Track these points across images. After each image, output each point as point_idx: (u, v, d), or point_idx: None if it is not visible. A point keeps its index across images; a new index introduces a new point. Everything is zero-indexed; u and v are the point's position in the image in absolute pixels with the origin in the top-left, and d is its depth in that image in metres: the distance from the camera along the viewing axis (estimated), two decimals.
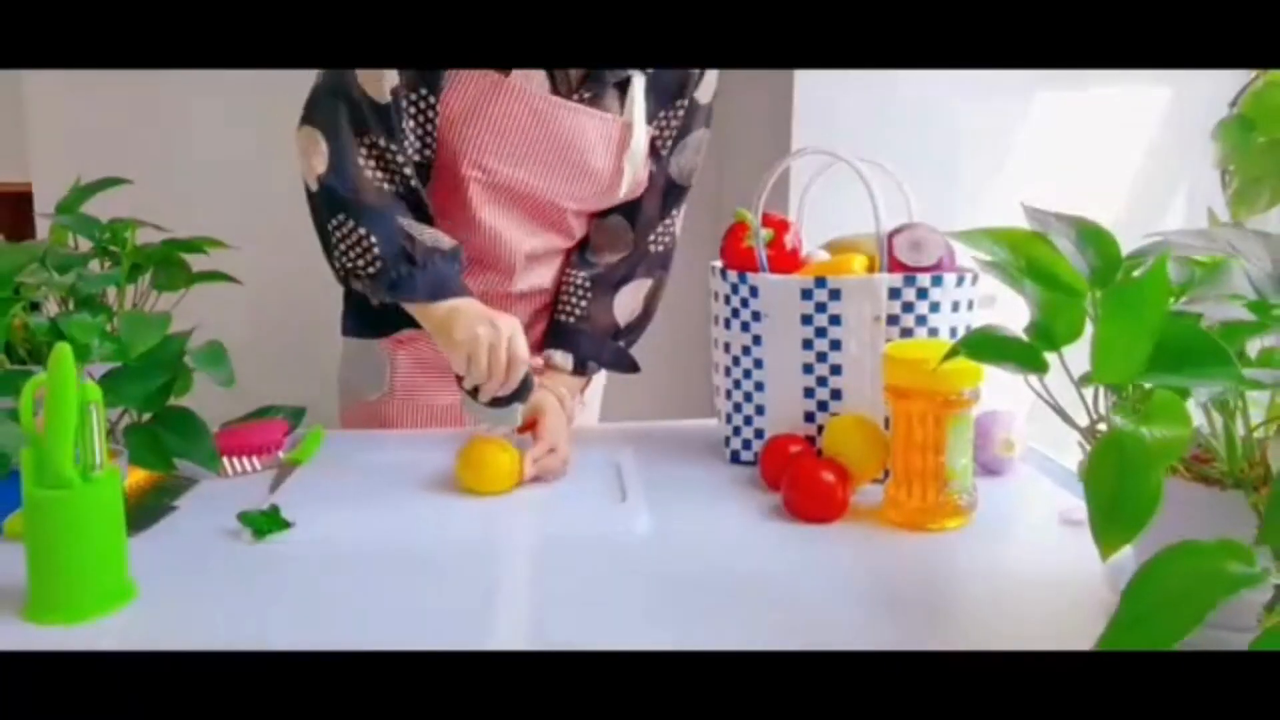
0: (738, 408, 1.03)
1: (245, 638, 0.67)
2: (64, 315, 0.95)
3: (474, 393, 0.99)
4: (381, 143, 1.03)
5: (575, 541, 0.85)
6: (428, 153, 1.07)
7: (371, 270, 1.03)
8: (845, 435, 0.92)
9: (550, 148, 1.08)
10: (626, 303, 1.21)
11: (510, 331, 0.97)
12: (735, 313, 1.01)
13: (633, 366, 1.24)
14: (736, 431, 1.04)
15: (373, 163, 1.04)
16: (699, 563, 0.80)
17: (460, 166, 1.07)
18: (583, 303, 1.20)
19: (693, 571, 0.78)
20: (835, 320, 0.96)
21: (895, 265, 0.96)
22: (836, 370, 0.97)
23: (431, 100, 1.04)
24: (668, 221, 1.20)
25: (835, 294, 0.95)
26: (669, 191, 1.18)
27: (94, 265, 1.06)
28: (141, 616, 0.71)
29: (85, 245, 1.07)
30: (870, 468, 0.92)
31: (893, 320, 0.94)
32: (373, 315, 1.15)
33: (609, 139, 1.10)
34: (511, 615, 0.71)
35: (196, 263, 1.09)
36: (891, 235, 0.96)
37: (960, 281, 0.95)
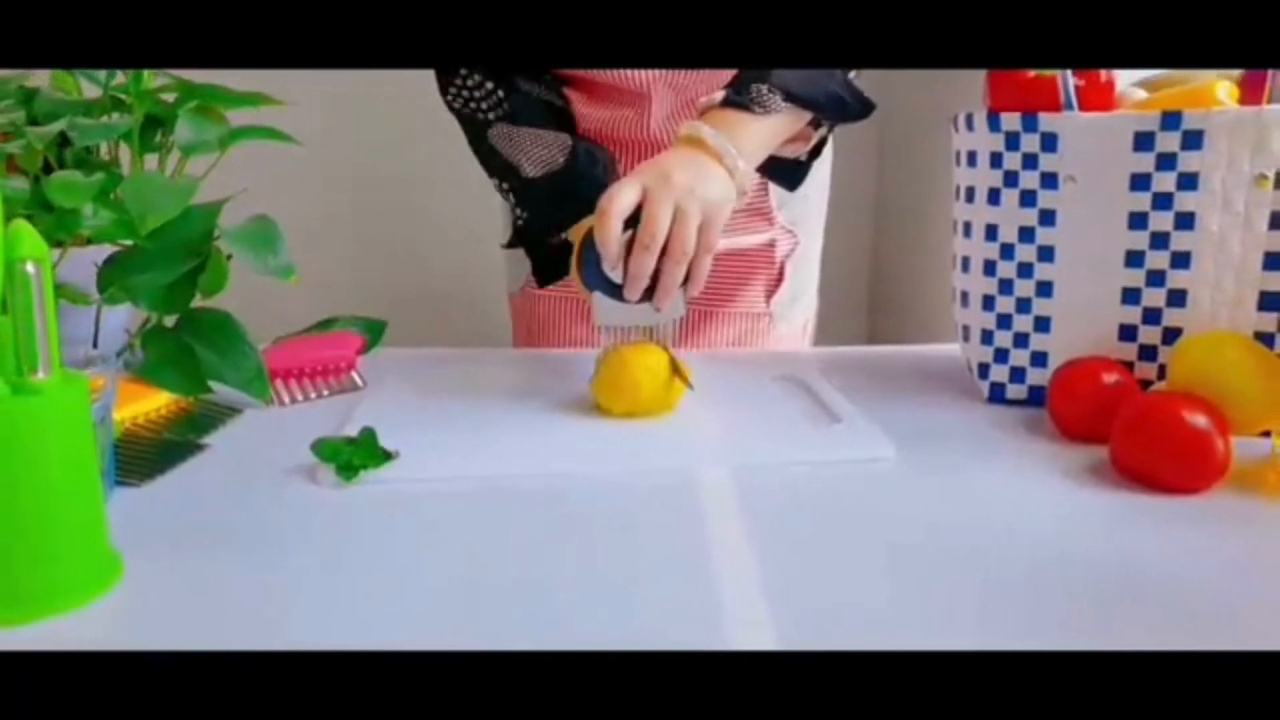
0: (1004, 322, 0.70)
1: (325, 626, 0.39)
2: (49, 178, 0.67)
3: (610, 287, 0.69)
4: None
5: (788, 476, 0.55)
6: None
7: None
8: (1218, 359, 0.59)
9: None
10: None
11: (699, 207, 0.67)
12: (1010, 178, 0.68)
13: (858, 106, 0.78)
14: (1000, 356, 0.71)
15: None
16: (988, 535, 0.49)
17: None
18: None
19: (985, 549, 0.47)
20: (1188, 181, 0.62)
21: None
22: (1182, 260, 0.63)
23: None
24: None
25: (1193, 138, 0.61)
26: None
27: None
28: (131, 605, 0.43)
29: (93, 92, 0.80)
30: (1259, 411, 0.58)
31: None
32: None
33: None
34: (736, 590, 0.41)
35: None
36: None
37: None
